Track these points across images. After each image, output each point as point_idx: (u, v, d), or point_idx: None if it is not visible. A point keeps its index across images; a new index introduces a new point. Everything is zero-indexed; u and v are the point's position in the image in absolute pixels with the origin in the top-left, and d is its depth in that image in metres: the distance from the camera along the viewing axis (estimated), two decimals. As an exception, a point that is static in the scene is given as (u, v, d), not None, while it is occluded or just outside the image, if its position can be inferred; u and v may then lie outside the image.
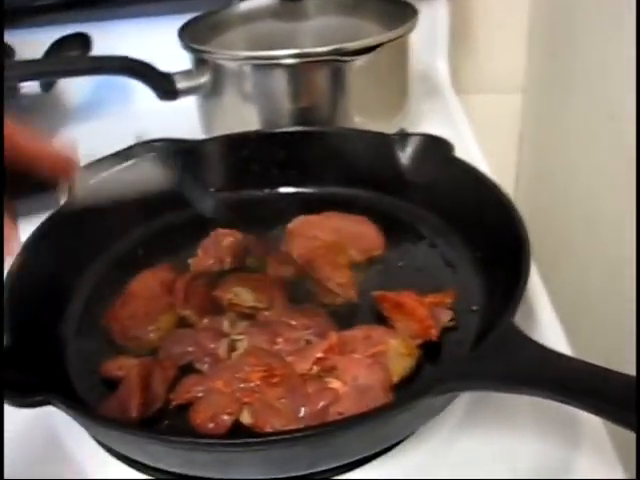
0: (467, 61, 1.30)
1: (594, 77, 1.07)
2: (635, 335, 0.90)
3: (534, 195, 1.36)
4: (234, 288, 0.69)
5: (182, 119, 0.99)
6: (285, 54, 0.87)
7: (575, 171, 1.19)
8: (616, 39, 0.98)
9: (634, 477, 0.53)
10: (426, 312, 0.62)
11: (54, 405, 0.52)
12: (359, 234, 0.77)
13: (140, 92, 1.11)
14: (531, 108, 1.36)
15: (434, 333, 0.62)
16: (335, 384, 0.57)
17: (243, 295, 0.68)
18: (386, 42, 0.89)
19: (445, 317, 0.64)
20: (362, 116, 0.93)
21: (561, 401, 0.48)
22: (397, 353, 0.60)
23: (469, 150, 0.97)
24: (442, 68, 1.22)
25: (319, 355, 0.59)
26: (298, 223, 0.79)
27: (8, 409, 0.52)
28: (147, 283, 0.72)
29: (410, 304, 0.63)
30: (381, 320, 0.66)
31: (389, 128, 0.91)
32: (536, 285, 0.75)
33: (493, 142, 1.08)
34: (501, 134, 1.40)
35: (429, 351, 0.63)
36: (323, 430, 0.49)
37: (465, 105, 1.16)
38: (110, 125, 1.14)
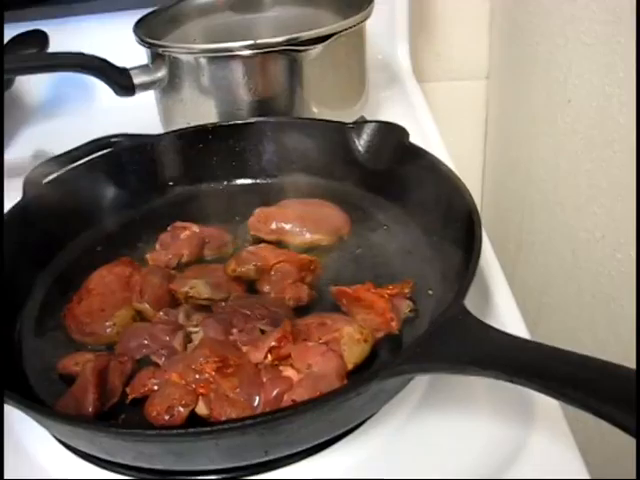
0: (430, 49, 1.30)
1: (553, 62, 1.08)
2: (635, 332, 0.90)
3: (501, 181, 1.36)
4: (190, 281, 0.68)
5: (143, 114, 0.99)
6: (241, 45, 0.87)
7: (538, 155, 1.20)
8: (575, 24, 0.98)
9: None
10: (386, 305, 0.63)
11: (7, 402, 0.52)
12: (324, 217, 0.78)
13: (100, 89, 1.11)
14: (495, 94, 1.37)
15: (395, 326, 0.62)
16: (289, 372, 0.58)
17: (199, 287, 0.68)
18: (341, 31, 0.89)
19: (405, 308, 0.64)
20: (320, 106, 0.93)
21: (510, 381, 0.48)
22: (352, 339, 0.60)
23: (428, 137, 0.98)
24: (402, 56, 1.22)
25: (273, 344, 0.59)
26: (258, 216, 0.79)
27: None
28: (104, 279, 0.72)
29: (369, 298, 0.63)
30: (340, 312, 0.66)
31: (348, 117, 0.91)
32: (494, 271, 0.76)
33: (459, 130, 1.08)
34: (467, 121, 1.40)
35: (387, 337, 0.63)
36: (272, 417, 0.49)
37: (429, 94, 1.17)
38: (71, 122, 1.13)
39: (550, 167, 1.13)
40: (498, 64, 1.33)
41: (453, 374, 0.51)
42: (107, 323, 0.67)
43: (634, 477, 0.50)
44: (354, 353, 0.60)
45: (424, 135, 0.83)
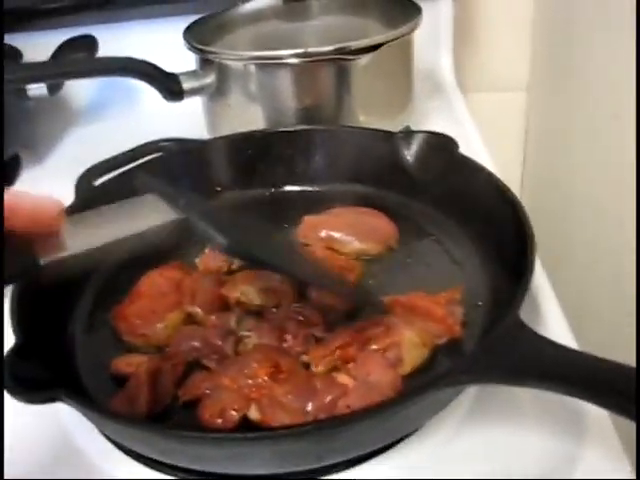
0: (471, 59, 1.30)
1: (598, 75, 1.08)
2: (635, 329, 0.90)
3: (539, 194, 1.36)
4: (241, 287, 0.69)
5: (188, 120, 0.99)
6: (289, 54, 0.87)
7: (579, 170, 1.19)
8: (620, 37, 0.98)
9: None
10: (444, 311, 0.63)
11: (64, 402, 0.53)
12: (373, 226, 0.78)
13: (146, 93, 1.12)
14: (536, 106, 1.36)
15: (458, 330, 0.62)
16: (344, 379, 0.58)
17: (250, 294, 0.68)
18: (390, 41, 0.89)
19: (459, 313, 0.64)
20: (366, 115, 0.93)
21: (567, 394, 0.48)
22: (412, 343, 0.60)
23: (474, 148, 0.98)
24: (446, 66, 1.22)
25: (339, 344, 0.60)
26: (307, 224, 0.79)
27: (18, 407, 0.53)
28: (155, 281, 0.72)
29: (425, 305, 0.63)
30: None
31: (393, 126, 0.91)
32: (541, 281, 0.75)
33: (498, 141, 1.08)
34: (506, 133, 1.40)
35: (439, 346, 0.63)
36: (330, 423, 0.49)
37: (469, 104, 1.16)
38: (116, 126, 1.14)
39: (593, 182, 1.13)
40: (539, 75, 1.33)
41: (511, 386, 0.52)
42: (158, 325, 0.68)
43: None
44: (413, 357, 0.60)
45: (469, 146, 0.83)
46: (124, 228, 0.54)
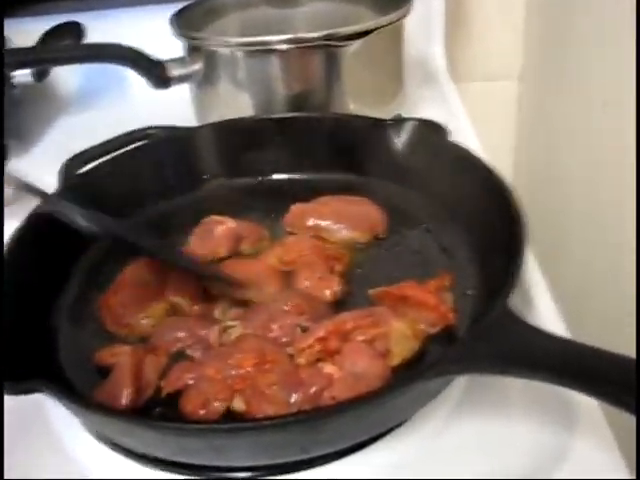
0: (463, 48, 1.29)
1: (589, 64, 1.07)
2: (635, 321, 0.89)
3: (532, 183, 1.35)
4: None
5: (176, 108, 0.98)
6: (278, 39, 0.86)
7: (572, 158, 1.18)
8: (612, 25, 0.97)
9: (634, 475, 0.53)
10: (436, 299, 0.61)
11: (45, 392, 0.52)
12: (362, 214, 0.77)
13: (134, 81, 1.11)
14: (528, 95, 1.36)
15: (451, 317, 0.61)
16: (329, 369, 0.57)
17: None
18: (380, 27, 0.88)
19: (449, 300, 0.63)
20: (357, 102, 0.92)
21: (560, 385, 0.47)
22: (402, 335, 0.59)
23: (465, 136, 0.96)
24: (438, 54, 1.21)
25: (321, 334, 0.59)
26: (294, 212, 0.78)
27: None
28: (139, 271, 0.71)
29: (418, 295, 0.62)
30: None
31: (385, 114, 0.90)
32: (534, 272, 0.75)
33: (490, 130, 1.07)
34: (498, 122, 1.39)
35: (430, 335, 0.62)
36: (314, 415, 0.48)
37: (461, 93, 1.15)
38: (104, 114, 1.13)
39: (585, 171, 1.12)
40: (532, 65, 1.32)
41: (500, 376, 0.50)
42: (141, 315, 0.67)
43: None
44: (403, 349, 0.59)
45: (460, 134, 0.82)
46: None
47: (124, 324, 0.67)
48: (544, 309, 0.70)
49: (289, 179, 0.85)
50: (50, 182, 0.77)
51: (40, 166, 0.99)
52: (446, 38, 1.22)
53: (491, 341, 0.50)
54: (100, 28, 1.04)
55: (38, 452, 0.60)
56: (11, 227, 0.69)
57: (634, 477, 0.54)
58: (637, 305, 0.90)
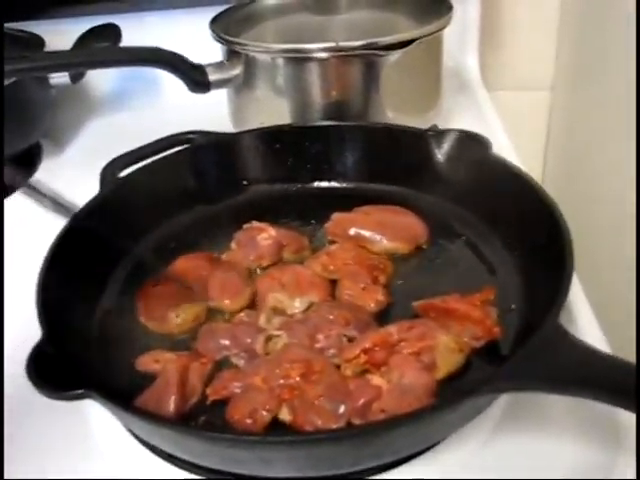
0: (496, 58, 1.29)
1: (622, 75, 1.06)
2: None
3: (560, 194, 1.34)
4: (275, 295, 0.68)
5: (210, 112, 0.98)
6: (319, 47, 0.86)
7: (601, 170, 1.18)
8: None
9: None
10: (480, 313, 0.61)
11: (93, 399, 0.52)
12: (403, 225, 0.77)
13: (167, 84, 1.11)
14: (559, 106, 1.35)
15: (497, 331, 0.61)
16: (377, 381, 0.57)
17: (285, 302, 0.67)
18: (421, 37, 0.88)
19: (494, 314, 0.62)
20: (394, 111, 0.92)
21: (612, 404, 0.47)
22: (447, 348, 0.59)
23: (501, 147, 0.96)
24: (472, 64, 1.21)
25: (367, 346, 0.59)
26: (336, 221, 0.78)
27: (40, 403, 0.52)
28: (182, 269, 0.72)
29: (463, 309, 0.62)
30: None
31: (421, 124, 0.89)
32: (574, 284, 0.74)
33: (520, 140, 1.06)
34: (528, 132, 1.38)
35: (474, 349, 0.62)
36: (370, 429, 0.48)
37: (493, 101, 1.15)
38: (138, 117, 1.14)
39: (617, 184, 1.11)
40: (564, 75, 1.32)
41: (551, 394, 0.50)
42: (172, 313, 0.67)
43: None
44: (448, 362, 0.59)
45: (496, 144, 0.82)
46: None
47: (155, 317, 0.68)
48: (583, 319, 0.70)
49: (329, 187, 0.85)
50: (82, 183, 0.77)
51: (73, 167, 1.01)
52: (479, 47, 1.22)
53: (543, 359, 0.50)
54: (136, 31, 1.04)
55: (76, 453, 0.60)
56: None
57: (634, 477, 0.53)
58: (637, 310, 0.89)
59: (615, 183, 1.12)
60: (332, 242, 0.77)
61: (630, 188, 1.06)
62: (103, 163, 0.81)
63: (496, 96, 1.20)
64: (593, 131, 1.20)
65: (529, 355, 0.51)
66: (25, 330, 0.58)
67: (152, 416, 0.52)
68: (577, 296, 0.72)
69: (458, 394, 0.49)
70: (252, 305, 0.68)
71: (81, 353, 0.62)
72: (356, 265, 0.70)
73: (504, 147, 0.98)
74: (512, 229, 0.73)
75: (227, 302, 0.68)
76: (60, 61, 0.89)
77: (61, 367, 0.54)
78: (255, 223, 0.77)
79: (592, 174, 1.22)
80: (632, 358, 0.49)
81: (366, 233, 0.75)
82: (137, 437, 0.59)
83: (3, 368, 0.65)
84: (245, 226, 0.77)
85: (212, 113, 0.98)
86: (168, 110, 1.12)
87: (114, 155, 0.83)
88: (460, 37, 1.16)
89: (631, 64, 1.02)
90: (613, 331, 0.72)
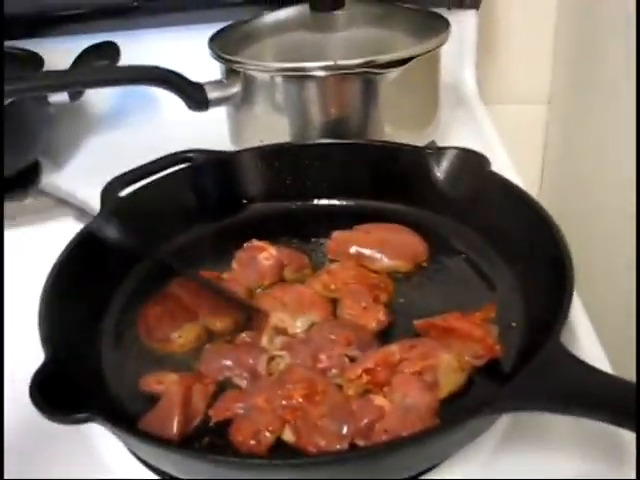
0: (493, 72, 1.29)
1: (620, 89, 1.07)
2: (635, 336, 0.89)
3: (558, 207, 1.35)
4: (277, 314, 0.68)
5: (208, 130, 0.98)
6: (318, 66, 0.86)
7: (599, 184, 1.18)
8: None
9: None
10: (483, 332, 0.61)
11: (99, 423, 0.52)
12: (403, 243, 0.77)
13: (166, 102, 1.11)
14: (556, 119, 1.36)
15: (498, 349, 0.61)
16: (380, 401, 0.57)
17: (287, 321, 0.67)
18: (420, 54, 0.88)
19: (495, 332, 0.63)
20: (393, 127, 0.92)
21: (617, 425, 0.47)
22: (449, 367, 0.59)
23: (499, 162, 0.96)
24: (469, 79, 1.21)
25: (368, 366, 0.59)
26: (337, 239, 0.78)
27: (43, 423, 0.52)
28: (181, 290, 0.72)
29: (464, 327, 0.62)
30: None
31: (420, 139, 0.91)
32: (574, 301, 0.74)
33: (517, 153, 1.07)
34: (525, 145, 1.39)
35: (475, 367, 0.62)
36: (374, 450, 0.48)
37: (491, 116, 1.16)
38: (136, 135, 1.14)
39: (616, 199, 1.12)
40: (560, 89, 1.32)
41: (556, 414, 0.51)
42: (175, 333, 0.67)
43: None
44: (450, 381, 0.59)
45: (494, 160, 0.82)
46: None
47: (157, 338, 0.68)
48: (585, 341, 0.70)
49: (329, 205, 0.86)
50: (81, 201, 0.77)
51: (72, 185, 1.00)
52: (476, 61, 1.22)
53: (546, 379, 0.51)
54: (135, 49, 1.04)
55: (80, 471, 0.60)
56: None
57: (634, 477, 0.54)
58: (637, 311, 0.89)
59: (613, 195, 1.12)
60: (333, 261, 0.77)
61: (629, 200, 1.07)
62: (102, 181, 0.81)
63: (493, 110, 1.20)
64: (590, 144, 1.21)
65: (532, 375, 0.51)
66: (24, 354, 0.59)
67: (157, 439, 0.53)
68: (577, 313, 0.72)
69: (462, 414, 0.50)
70: (251, 325, 0.68)
71: (84, 375, 0.62)
72: (357, 284, 0.70)
73: (502, 162, 0.98)
74: (511, 246, 0.73)
75: (218, 324, 0.68)
76: (59, 81, 0.90)
77: (64, 390, 0.54)
78: (255, 242, 0.77)
79: (590, 187, 1.23)
80: (631, 373, 0.50)
81: (366, 251, 0.75)
82: (140, 459, 0.59)
83: (3, 386, 0.65)
84: (246, 245, 0.77)
85: (211, 131, 0.99)
86: (166, 128, 1.12)
87: (113, 173, 0.83)
88: (457, 52, 1.16)
89: (628, 77, 1.03)
90: (611, 344, 0.72)
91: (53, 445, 0.61)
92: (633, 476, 0.55)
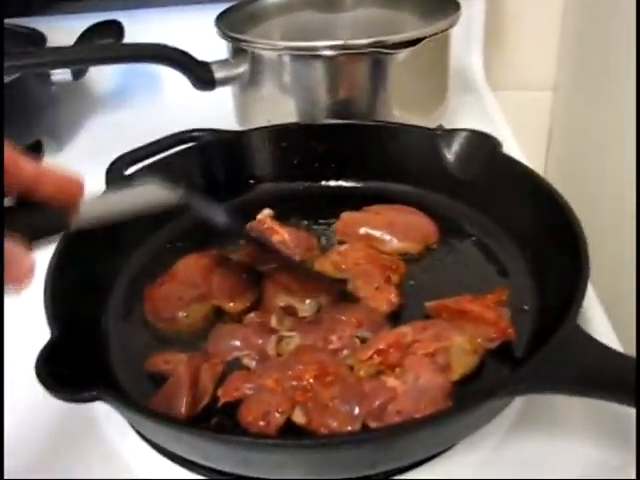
0: (499, 57, 1.28)
1: (627, 75, 1.05)
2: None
3: (563, 193, 1.34)
4: (285, 297, 0.67)
5: (212, 109, 0.97)
6: (326, 45, 0.85)
7: (604, 171, 1.17)
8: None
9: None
10: (494, 314, 0.60)
11: (105, 402, 0.51)
12: (413, 225, 0.76)
13: (170, 81, 1.10)
14: (562, 106, 1.35)
15: (511, 332, 0.60)
16: (392, 382, 0.56)
17: (295, 304, 0.66)
18: (430, 36, 0.87)
19: (507, 315, 0.62)
20: (401, 110, 0.91)
21: (636, 406, 0.46)
22: (462, 350, 0.58)
23: (508, 146, 0.95)
24: (477, 64, 1.20)
25: (381, 347, 0.58)
26: (345, 220, 0.77)
27: (44, 404, 0.51)
28: (190, 267, 0.71)
29: (477, 310, 0.61)
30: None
31: (427, 122, 0.89)
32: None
33: (522, 139, 1.06)
34: (531, 131, 1.38)
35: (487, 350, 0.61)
36: (390, 432, 0.47)
37: (497, 101, 1.15)
38: (139, 114, 1.12)
39: (620, 186, 1.11)
40: (566, 75, 1.31)
41: (571, 396, 0.50)
42: (180, 313, 0.66)
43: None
44: (463, 364, 0.58)
45: (504, 144, 0.81)
46: (132, 208, 0.58)
47: (163, 318, 0.67)
48: (598, 323, 0.69)
49: (337, 186, 0.85)
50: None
51: (74, 164, 0.99)
52: (484, 46, 1.21)
53: (563, 361, 0.50)
54: (139, 28, 1.03)
55: (88, 455, 0.59)
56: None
57: (634, 477, 0.53)
58: (637, 311, 0.89)
59: (617, 185, 1.11)
60: (341, 242, 0.76)
61: (631, 186, 1.06)
62: (105, 160, 0.80)
63: (499, 96, 1.19)
64: (595, 130, 1.20)
65: (548, 357, 0.50)
66: (28, 332, 0.58)
67: (166, 418, 0.51)
68: (590, 296, 0.71)
69: (477, 396, 0.49)
70: (257, 306, 0.67)
71: (90, 354, 0.61)
72: (369, 265, 0.69)
73: (510, 147, 0.97)
74: (523, 229, 0.72)
75: (231, 304, 0.67)
76: (62, 57, 0.88)
77: (72, 369, 0.53)
78: (267, 214, 0.76)
79: (594, 173, 1.22)
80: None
81: (376, 233, 0.74)
82: (147, 439, 0.58)
83: (4, 367, 0.64)
84: (258, 216, 0.77)
85: (215, 112, 0.98)
86: (171, 108, 1.11)
87: (116, 152, 0.82)
88: (465, 36, 1.15)
89: (633, 63, 1.02)
90: (620, 328, 0.71)
91: (59, 426, 0.60)
92: (633, 476, 0.54)
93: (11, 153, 0.46)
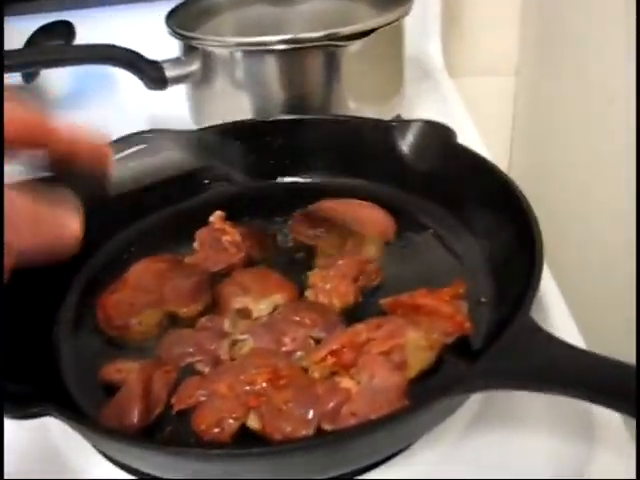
0: (459, 44, 1.27)
1: (591, 59, 1.05)
2: (635, 325, 0.88)
3: (527, 180, 1.33)
4: (240, 298, 0.66)
5: (169, 109, 0.96)
6: (278, 40, 0.84)
7: (571, 156, 1.17)
8: (615, 19, 0.95)
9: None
10: (451, 308, 0.59)
11: (53, 416, 0.49)
12: (369, 219, 0.75)
13: (124, 82, 1.08)
14: (525, 91, 1.34)
15: (468, 326, 0.59)
16: (346, 383, 0.55)
17: (250, 305, 0.65)
18: (382, 26, 0.86)
19: (464, 309, 0.61)
20: (357, 102, 0.90)
21: (591, 402, 0.46)
22: (417, 346, 0.57)
23: (466, 135, 0.94)
24: (435, 52, 1.19)
25: (334, 347, 0.57)
26: (299, 219, 0.77)
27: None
28: (141, 273, 0.70)
29: (432, 304, 0.60)
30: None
31: (384, 114, 0.88)
32: (545, 276, 0.73)
33: (485, 126, 1.05)
34: (494, 118, 1.37)
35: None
36: (341, 435, 0.46)
37: (457, 88, 1.14)
38: (95, 116, 1.10)
39: (585, 172, 1.10)
40: (528, 60, 1.31)
41: (529, 391, 0.49)
42: (133, 320, 0.65)
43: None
44: (419, 360, 0.57)
45: (461, 133, 0.80)
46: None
47: (116, 325, 0.65)
48: (556, 314, 0.68)
49: (293, 183, 0.83)
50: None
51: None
52: (442, 34, 1.20)
53: (516, 356, 0.49)
54: (91, 28, 1.01)
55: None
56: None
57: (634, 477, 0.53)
58: (637, 311, 0.88)
59: (583, 169, 1.11)
60: (296, 240, 0.75)
61: (597, 172, 1.06)
62: (60, 164, 0.78)
63: (460, 82, 1.18)
64: (559, 116, 1.20)
65: (501, 353, 0.50)
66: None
67: (113, 431, 0.50)
68: (549, 288, 0.71)
69: (431, 395, 0.48)
70: (212, 309, 0.66)
71: (39, 368, 0.60)
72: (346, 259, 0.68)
73: (469, 135, 0.97)
74: (479, 220, 0.71)
75: (184, 309, 0.66)
76: (11, 61, 0.86)
77: (20, 383, 0.52)
78: (218, 221, 0.74)
79: (558, 160, 1.22)
80: (603, 347, 0.48)
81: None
82: (103, 453, 0.57)
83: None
84: (210, 219, 0.75)
85: (169, 110, 0.96)
86: (125, 108, 1.09)
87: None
88: (422, 24, 1.15)
89: (596, 46, 1.02)
90: (583, 322, 0.71)
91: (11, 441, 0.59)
92: (633, 475, 0.53)
93: (43, 119, 0.45)
